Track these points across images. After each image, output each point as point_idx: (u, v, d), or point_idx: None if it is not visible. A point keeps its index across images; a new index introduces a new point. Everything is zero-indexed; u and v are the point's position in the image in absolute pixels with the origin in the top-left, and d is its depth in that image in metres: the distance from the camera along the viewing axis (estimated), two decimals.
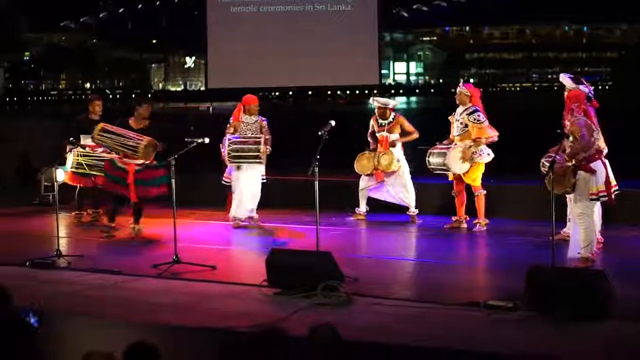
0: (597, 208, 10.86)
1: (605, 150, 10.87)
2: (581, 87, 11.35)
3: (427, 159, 13.12)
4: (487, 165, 12.94)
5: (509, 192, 13.76)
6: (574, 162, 10.18)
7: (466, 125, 12.85)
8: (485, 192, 12.93)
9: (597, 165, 10.34)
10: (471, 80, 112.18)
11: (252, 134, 13.63)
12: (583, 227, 10.36)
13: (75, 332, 8.35)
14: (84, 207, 14.46)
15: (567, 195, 10.88)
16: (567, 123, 10.62)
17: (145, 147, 12.50)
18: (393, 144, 13.67)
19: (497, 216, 13.03)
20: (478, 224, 12.92)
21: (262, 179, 13.76)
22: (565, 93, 11.40)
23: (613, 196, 10.57)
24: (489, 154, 12.85)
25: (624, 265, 10.35)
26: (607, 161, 10.65)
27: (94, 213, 14.44)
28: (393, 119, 13.77)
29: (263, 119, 13.79)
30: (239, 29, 20.45)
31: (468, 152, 12.72)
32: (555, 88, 12.85)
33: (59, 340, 7.67)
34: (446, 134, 13.25)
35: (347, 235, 13.08)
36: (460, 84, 13.25)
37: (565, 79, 11.73)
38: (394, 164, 13.57)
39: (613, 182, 10.71)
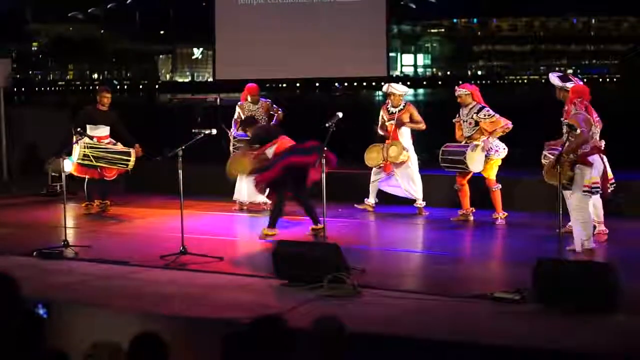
0: (597, 200, 10.88)
1: (602, 144, 10.88)
2: (568, 84, 11.42)
3: (440, 156, 13.12)
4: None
5: (517, 185, 13.74)
6: (572, 156, 10.15)
7: (477, 124, 12.87)
8: (500, 186, 12.93)
9: (594, 158, 10.35)
10: (479, 73, 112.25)
11: (258, 118, 14.19)
12: (581, 220, 10.36)
13: (81, 322, 8.37)
14: (93, 198, 14.46)
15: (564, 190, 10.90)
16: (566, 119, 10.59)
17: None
18: (400, 124, 13.66)
19: (505, 209, 13.00)
20: (499, 218, 12.92)
21: None
22: (557, 91, 11.51)
23: (609, 190, 10.58)
24: (504, 149, 12.88)
25: (630, 258, 10.33)
26: (605, 157, 10.67)
27: (102, 204, 14.45)
28: (403, 106, 13.80)
29: (266, 100, 14.44)
30: (247, 20, 20.43)
31: (487, 143, 12.74)
32: None
33: (65, 330, 7.68)
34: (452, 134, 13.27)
35: (354, 227, 13.08)
36: (457, 87, 13.28)
37: (553, 79, 11.77)
38: (402, 154, 13.57)
39: (610, 176, 10.73)
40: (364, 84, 54.87)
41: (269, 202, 14.26)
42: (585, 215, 10.38)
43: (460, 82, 13.74)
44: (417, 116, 13.84)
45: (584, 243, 10.32)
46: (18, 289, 5.53)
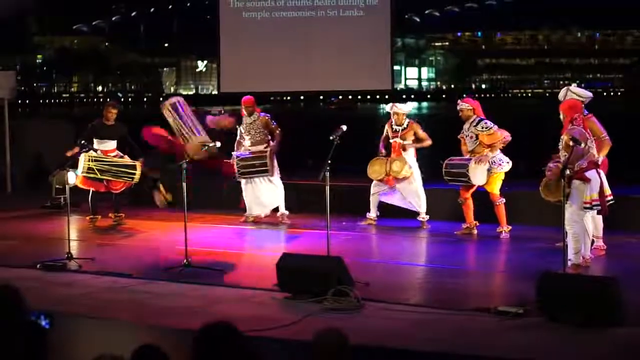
0: (594, 215, 10.85)
1: (600, 160, 10.86)
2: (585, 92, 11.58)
3: (443, 169, 13.10)
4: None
5: (521, 199, 13.71)
6: (569, 172, 10.13)
7: (477, 137, 12.86)
8: (504, 200, 12.91)
9: (591, 174, 10.33)
10: (483, 86, 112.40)
11: (255, 132, 14.33)
12: (571, 234, 10.34)
13: (84, 334, 8.36)
14: (98, 211, 14.45)
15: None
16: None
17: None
18: (404, 148, 13.69)
19: (509, 222, 12.98)
20: (503, 231, 12.90)
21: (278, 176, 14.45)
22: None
23: (607, 206, 10.55)
24: (508, 162, 12.86)
25: (630, 272, 10.31)
26: (602, 172, 10.66)
27: (116, 217, 14.47)
28: (407, 125, 13.80)
29: (265, 115, 14.33)
30: (252, 34, 20.47)
31: (486, 157, 12.72)
32: None
33: (68, 343, 7.68)
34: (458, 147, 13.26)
35: (357, 240, 13.08)
36: (459, 101, 13.30)
37: (579, 90, 11.84)
38: (405, 170, 13.57)
39: (607, 191, 10.68)
40: (368, 97, 54.92)
41: (287, 213, 14.34)
42: (576, 229, 10.35)
43: (464, 96, 13.73)
44: (421, 134, 13.83)
45: (571, 257, 10.31)
46: (21, 301, 5.54)
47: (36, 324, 5.56)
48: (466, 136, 13.03)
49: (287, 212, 14.44)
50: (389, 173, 13.70)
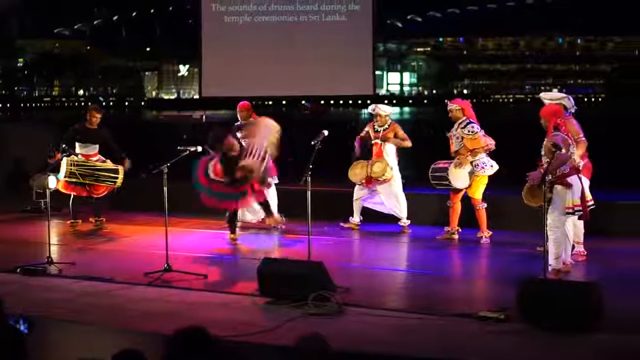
0: (575, 220, 10.88)
1: (581, 163, 10.90)
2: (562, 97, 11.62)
3: (430, 173, 13.10)
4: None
5: (503, 204, 13.73)
6: (551, 177, 10.15)
7: (463, 139, 12.86)
8: (485, 205, 12.91)
9: (573, 179, 10.36)
10: (465, 91, 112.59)
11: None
12: (553, 239, 10.36)
13: (65, 339, 8.32)
14: (79, 215, 14.39)
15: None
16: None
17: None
18: (385, 139, 13.65)
19: (491, 228, 12.99)
20: (483, 237, 12.90)
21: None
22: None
23: (588, 211, 10.58)
24: (492, 166, 12.86)
25: (611, 277, 10.33)
26: (583, 177, 10.68)
27: (97, 221, 14.40)
28: (388, 125, 13.81)
29: None
30: (233, 38, 20.49)
31: (466, 160, 12.72)
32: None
33: (48, 348, 7.64)
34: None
35: (339, 245, 13.07)
36: (448, 102, 13.28)
37: (548, 94, 11.87)
38: (387, 171, 13.57)
39: (589, 197, 10.71)
40: (350, 101, 54.95)
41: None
42: (558, 234, 10.37)
43: (447, 100, 13.73)
44: (402, 134, 13.84)
45: (552, 262, 10.32)
46: (0, 305, 5.51)
47: (15, 329, 5.52)
48: (453, 136, 13.02)
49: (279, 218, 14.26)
50: (370, 174, 13.69)
